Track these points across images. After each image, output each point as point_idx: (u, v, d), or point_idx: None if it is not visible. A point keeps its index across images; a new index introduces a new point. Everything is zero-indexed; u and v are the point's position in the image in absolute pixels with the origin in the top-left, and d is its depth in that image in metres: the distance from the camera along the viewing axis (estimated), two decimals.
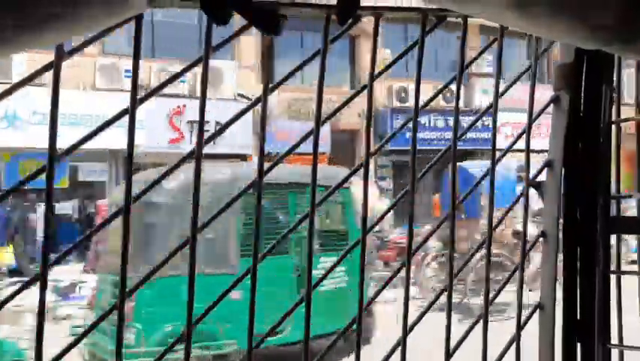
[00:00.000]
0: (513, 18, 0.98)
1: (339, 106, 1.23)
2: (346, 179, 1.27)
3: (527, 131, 1.34)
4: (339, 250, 7.54)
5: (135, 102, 0.86)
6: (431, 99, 1.19)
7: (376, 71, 1.13)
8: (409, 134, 1.15)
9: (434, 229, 1.48)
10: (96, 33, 0.79)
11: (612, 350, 1.39)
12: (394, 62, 1.20)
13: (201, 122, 1.00)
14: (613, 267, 1.42)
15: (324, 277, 1.22)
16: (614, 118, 1.39)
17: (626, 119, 1.42)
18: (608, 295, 1.39)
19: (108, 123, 0.96)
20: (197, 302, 0.99)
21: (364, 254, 1.14)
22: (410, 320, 1.16)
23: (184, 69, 0.96)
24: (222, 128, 1.09)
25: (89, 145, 0.96)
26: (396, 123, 20.30)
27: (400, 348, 1.17)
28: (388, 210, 1.39)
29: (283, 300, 4.26)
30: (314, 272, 1.13)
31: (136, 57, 0.86)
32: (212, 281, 3.29)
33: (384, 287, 1.25)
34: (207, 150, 1.01)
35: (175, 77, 0.94)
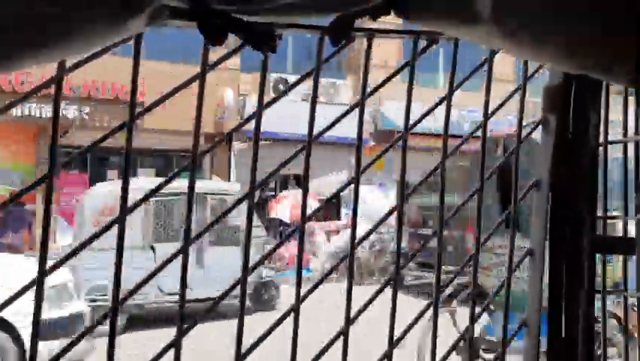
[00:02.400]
0: (500, 43, 1.02)
1: (333, 121, 1.26)
2: (342, 189, 1.31)
3: (516, 151, 1.37)
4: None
5: (133, 120, 0.90)
6: (420, 119, 1.23)
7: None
8: None
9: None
10: (96, 51, 0.82)
11: None
12: (386, 81, 1.23)
13: (196, 133, 1.04)
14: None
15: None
16: (601, 140, 1.42)
17: (614, 142, 1.45)
18: (593, 314, 1.42)
19: (112, 132, 1.00)
20: None
21: (353, 251, 1.19)
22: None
23: (181, 85, 1.00)
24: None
25: None
26: None
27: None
28: (389, 214, 1.36)
29: None
30: None
31: (134, 75, 0.90)
32: None
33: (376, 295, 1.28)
34: None
35: (170, 94, 0.97)
